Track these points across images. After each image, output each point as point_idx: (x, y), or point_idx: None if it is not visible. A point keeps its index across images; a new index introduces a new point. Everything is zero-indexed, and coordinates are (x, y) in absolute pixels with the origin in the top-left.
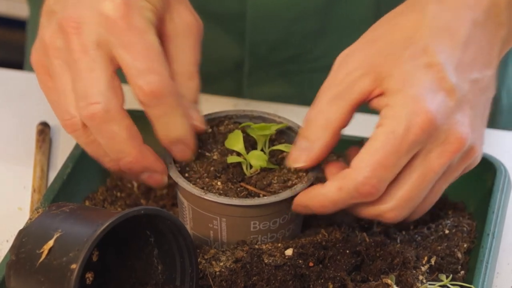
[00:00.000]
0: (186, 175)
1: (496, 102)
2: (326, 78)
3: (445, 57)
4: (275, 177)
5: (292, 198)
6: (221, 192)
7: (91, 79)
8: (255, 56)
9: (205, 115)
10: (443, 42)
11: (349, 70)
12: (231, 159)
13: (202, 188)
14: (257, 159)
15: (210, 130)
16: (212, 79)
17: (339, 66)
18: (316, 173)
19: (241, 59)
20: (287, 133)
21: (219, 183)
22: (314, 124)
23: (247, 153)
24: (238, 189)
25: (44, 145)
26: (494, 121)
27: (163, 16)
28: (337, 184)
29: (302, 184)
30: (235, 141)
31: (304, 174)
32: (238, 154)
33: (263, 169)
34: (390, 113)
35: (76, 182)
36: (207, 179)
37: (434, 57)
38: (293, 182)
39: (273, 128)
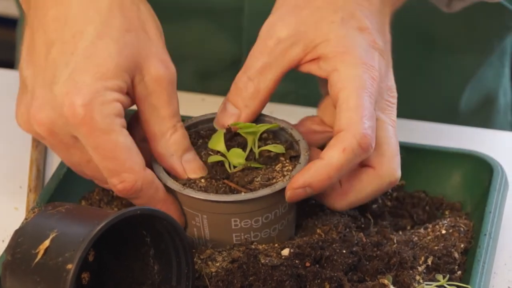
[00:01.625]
0: None
1: (493, 102)
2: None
3: (369, 22)
4: (259, 176)
5: (272, 195)
6: (203, 189)
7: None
8: None
9: (200, 116)
10: (363, 8)
11: (280, 39)
12: (212, 158)
13: (184, 184)
14: (236, 156)
15: (203, 131)
16: (209, 76)
17: (267, 33)
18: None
19: (238, 56)
20: (280, 134)
21: (202, 180)
22: (243, 92)
23: None
24: (220, 186)
25: (40, 145)
26: (491, 121)
27: (133, 81)
28: (339, 147)
29: (282, 182)
30: (217, 141)
31: (290, 173)
32: (223, 155)
33: (248, 168)
34: (345, 75)
35: (72, 181)
36: None
37: (362, 21)
38: (277, 181)
39: (262, 128)
